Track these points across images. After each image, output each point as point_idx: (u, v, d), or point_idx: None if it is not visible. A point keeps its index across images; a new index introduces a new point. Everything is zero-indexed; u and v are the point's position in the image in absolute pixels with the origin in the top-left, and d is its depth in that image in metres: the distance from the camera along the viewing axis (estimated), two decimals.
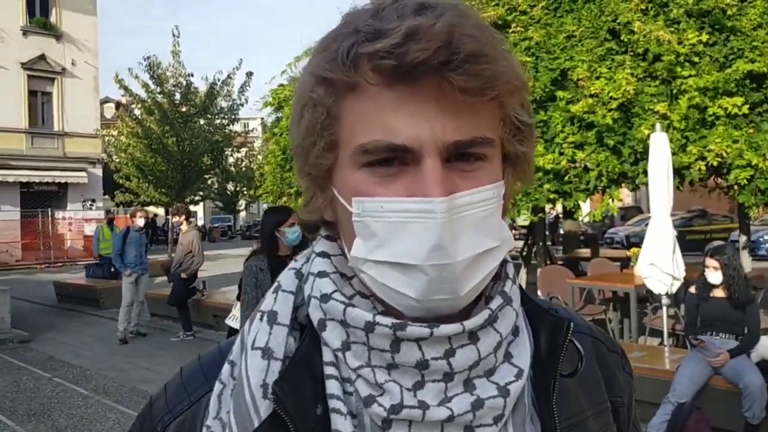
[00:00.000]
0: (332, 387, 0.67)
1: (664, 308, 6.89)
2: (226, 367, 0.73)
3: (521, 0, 8.94)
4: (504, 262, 0.73)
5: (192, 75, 24.71)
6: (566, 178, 8.22)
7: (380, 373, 0.67)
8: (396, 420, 0.65)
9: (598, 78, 8.00)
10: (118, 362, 8.89)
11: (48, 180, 27.71)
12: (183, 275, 10.13)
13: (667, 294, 6.82)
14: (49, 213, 27.25)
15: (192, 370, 0.80)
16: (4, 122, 26.69)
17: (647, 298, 8.18)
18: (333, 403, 0.66)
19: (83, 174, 28.83)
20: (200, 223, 39.83)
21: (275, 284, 0.77)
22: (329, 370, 0.68)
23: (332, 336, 0.69)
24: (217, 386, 0.72)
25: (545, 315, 0.76)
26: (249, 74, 24.67)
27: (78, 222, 28.33)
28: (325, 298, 0.70)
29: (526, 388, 0.71)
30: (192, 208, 26.65)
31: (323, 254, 0.75)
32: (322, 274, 0.72)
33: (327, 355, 0.69)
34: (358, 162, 0.65)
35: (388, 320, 0.66)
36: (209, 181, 31.41)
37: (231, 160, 29.95)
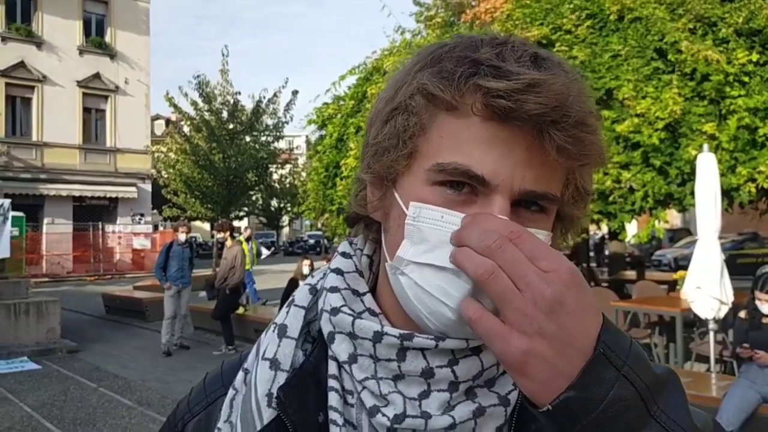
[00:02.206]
0: (332, 399, 0.72)
1: (712, 333, 6.71)
2: (240, 374, 0.79)
3: (566, 19, 8.90)
4: None
5: (239, 93, 25.20)
6: (611, 198, 8.10)
7: (385, 384, 0.70)
8: (400, 429, 0.68)
9: (644, 97, 7.88)
10: (161, 374, 9.05)
11: (99, 194, 28.55)
12: (227, 290, 10.29)
13: (714, 319, 6.64)
14: (100, 226, 28.02)
15: (214, 374, 0.87)
16: (60, 138, 27.68)
17: (694, 322, 7.98)
18: (331, 414, 0.71)
19: (133, 189, 29.63)
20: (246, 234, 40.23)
21: (290, 299, 0.81)
22: (331, 382, 0.73)
23: (340, 348, 0.73)
24: (231, 392, 0.78)
25: None
26: (294, 92, 25.03)
27: (127, 236, 29.06)
28: (334, 311, 0.74)
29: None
30: (236, 223, 27.01)
31: (337, 271, 0.78)
32: (333, 290, 0.76)
33: (331, 368, 0.73)
34: (432, 179, 0.67)
35: (396, 330, 0.70)
36: (254, 197, 31.82)
37: (275, 176, 30.38)
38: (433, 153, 0.67)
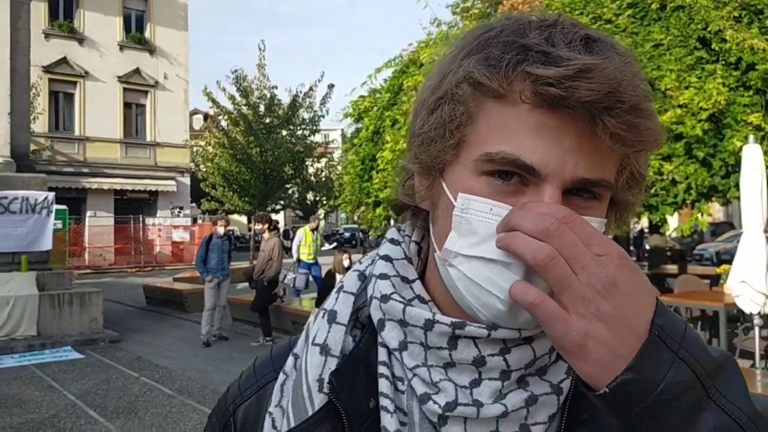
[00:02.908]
0: (383, 385, 0.71)
1: (757, 329, 6.54)
2: (290, 360, 0.79)
3: (607, 8, 8.75)
4: None
5: (276, 87, 25.42)
6: (652, 190, 7.95)
7: (436, 372, 0.69)
8: (452, 417, 0.68)
9: (687, 88, 7.72)
10: (201, 364, 9.19)
11: (140, 188, 29.09)
12: (265, 282, 10.40)
13: (759, 314, 6.48)
14: (141, 219, 28.55)
15: (264, 359, 0.87)
16: (102, 133, 28.29)
17: (738, 317, 7.79)
18: (381, 401, 0.70)
19: (172, 182, 30.11)
20: (282, 228, 40.50)
21: (339, 284, 0.80)
22: (381, 369, 0.72)
23: (390, 336, 0.72)
24: (281, 376, 0.79)
25: None
26: (330, 86, 25.16)
27: (167, 228, 29.57)
28: (384, 298, 0.73)
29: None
30: (273, 216, 27.30)
31: (386, 258, 0.78)
32: (383, 276, 0.75)
33: (381, 355, 0.73)
34: (480, 168, 0.65)
35: (447, 319, 0.69)
36: (290, 191, 32.09)
37: (311, 170, 30.57)
38: (481, 142, 0.65)
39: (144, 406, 7.10)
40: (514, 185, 0.64)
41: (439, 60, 0.73)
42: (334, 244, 32.70)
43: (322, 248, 15.67)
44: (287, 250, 32.63)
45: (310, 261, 13.72)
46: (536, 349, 0.68)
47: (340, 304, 0.77)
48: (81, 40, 28.17)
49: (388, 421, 0.69)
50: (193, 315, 12.88)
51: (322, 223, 53.73)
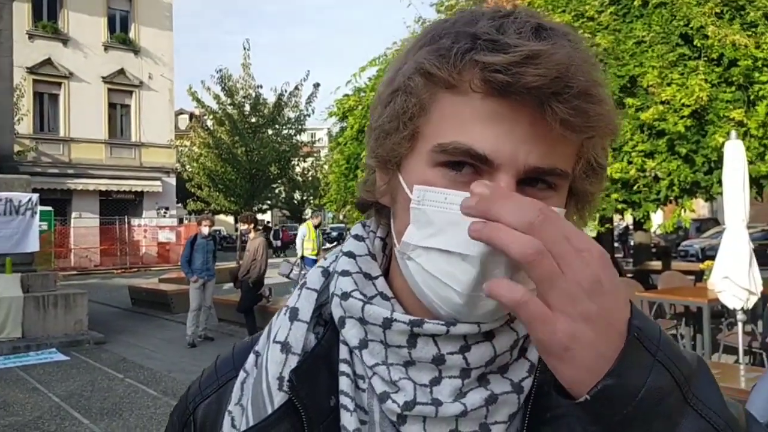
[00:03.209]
0: (343, 383, 0.70)
1: (740, 324, 6.59)
2: (251, 357, 0.77)
3: (589, 6, 8.78)
4: None
5: (261, 86, 25.31)
6: (635, 187, 7.99)
7: (395, 370, 0.68)
8: (411, 416, 0.67)
9: (669, 84, 7.76)
10: (186, 365, 9.14)
11: (125, 189, 28.92)
12: (250, 283, 10.36)
13: (742, 309, 6.53)
14: (126, 220, 28.37)
15: (225, 357, 0.86)
16: (86, 133, 28.10)
17: (722, 313, 7.85)
18: (342, 399, 0.69)
19: (158, 183, 29.95)
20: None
21: (302, 281, 0.79)
22: (342, 366, 0.71)
23: (351, 334, 0.71)
24: (242, 374, 0.77)
25: None
26: (316, 85, 25.09)
27: (152, 229, 29.42)
28: (345, 296, 0.72)
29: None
30: (260, 216, 27.19)
31: (349, 254, 0.77)
32: (344, 273, 0.74)
33: (343, 352, 0.72)
34: (434, 160, 0.65)
35: (405, 317, 0.68)
36: (276, 190, 32.00)
37: (298, 169, 30.51)
38: (435, 134, 0.65)
39: (129, 408, 7.06)
40: (467, 175, 0.64)
41: (398, 55, 0.73)
42: (335, 243, 32.70)
43: (323, 247, 15.58)
44: (274, 250, 32.42)
45: (315, 257, 13.65)
46: (496, 345, 0.67)
47: (303, 300, 0.76)
48: (65, 40, 27.97)
49: (347, 419, 0.68)
50: (179, 316, 12.81)
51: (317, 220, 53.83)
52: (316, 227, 14.10)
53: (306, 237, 14.03)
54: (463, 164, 0.64)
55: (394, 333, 0.68)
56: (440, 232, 0.63)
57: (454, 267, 0.62)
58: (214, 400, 0.80)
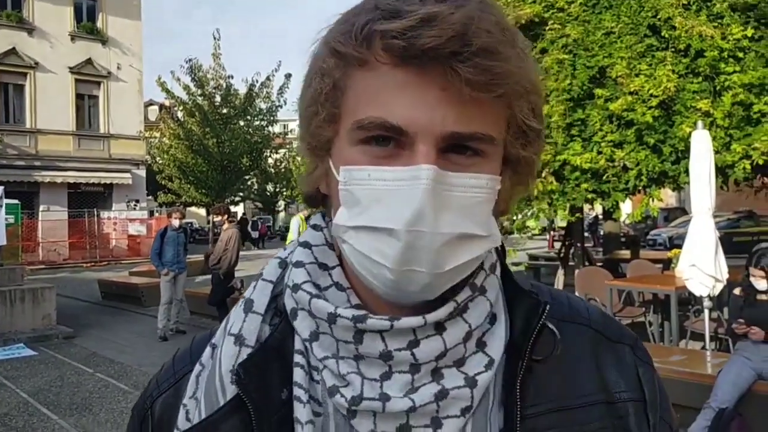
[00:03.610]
0: (297, 375, 0.69)
1: (706, 311, 6.71)
2: (207, 350, 0.76)
3: None
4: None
5: (232, 77, 25.13)
6: (604, 177, 8.08)
7: (345, 364, 0.67)
8: (359, 411, 0.66)
9: (637, 75, 7.84)
10: (157, 359, 9.03)
11: (94, 181, 28.44)
12: (221, 275, 10.27)
13: (709, 296, 6.64)
14: (95, 213, 27.93)
15: (183, 350, 0.83)
16: (53, 125, 27.54)
17: (689, 300, 7.98)
18: (295, 391, 0.68)
19: (128, 175, 29.51)
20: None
21: (259, 273, 0.78)
22: (297, 358, 0.70)
23: (302, 326, 0.70)
24: (197, 367, 0.75)
25: (525, 298, 0.74)
26: (288, 76, 24.92)
27: (122, 222, 29.00)
28: (295, 287, 0.71)
29: (498, 376, 0.70)
30: (232, 208, 26.99)
31: (305, 244, 0.76)
32: (298, 264, 0.73)
33: (298, 344, 0.71)
34: (354, 138, 0.65)
35: (349, 312, 0.66)
36: (249, 182, 31.79)
37: (270, 161, 30.33)
38: (352, 112, 0.65)
39: (99, 403, 6.97)
40: (390, 149, 0.63)
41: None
42: None
43: None
44: (253, 242, 32.15)
45: None
46: (447, 339, 0.67)
47: (258, 292, 0.75)
48: (30, 30, 27.34)
49: (300, 411, 0.67)
50: (150, 309, 12.66)
51: (282, 214, 53.58)
52: (306, 219, 14.11)
53: (300, 228, 14.01)
54: (385, 139, 0.63)
55: (339, 328, 0.67)
56: (366, 210, 0.63)
57: (381, 243, 0.62)
58: (171, 395, 0.78)
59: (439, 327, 0.67)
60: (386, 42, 0.60)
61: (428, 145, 0.62)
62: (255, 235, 36.75)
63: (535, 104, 0.68)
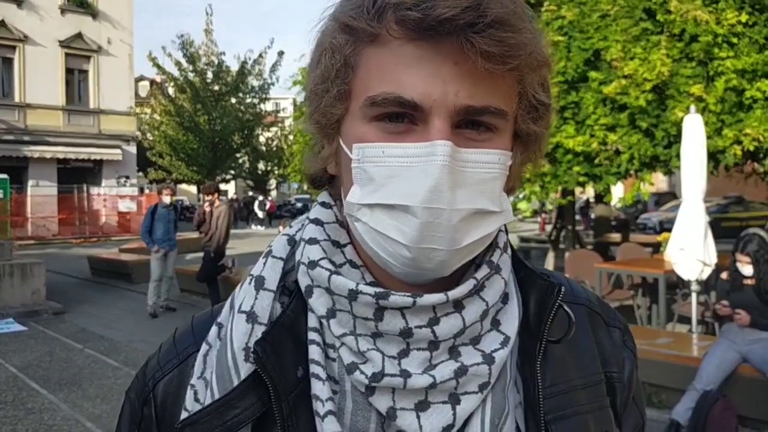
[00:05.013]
0: (314, 352, 0.69)
1: (694, 295, 6.77)
2: (213, 329, 0.75)
3: None
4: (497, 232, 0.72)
5: (224, 53, 24.96)
6: (597, 160, 8.10)
7: (363, 341, 0.67)
8: (379, 387, 0.66)
9: (632, 59, 7.83)
10: (147, 336, 9.05)
11: (84, 156, 28.18)
12: (211, 253, 10.25)
13: (697, 280, 6.70)
14: (85, 189, 27.72)
15: (184, 330, 0.82)
16: (43, 99, 27.20)
17: (677, 284, 8.05)
18: (313, 368, 0.68)
19: (118, 151, 29.26)
20: (233, 196, 39.44)
21: (267, 249, 0.77)
22: (312, 335, 0.69)
23: (318, 303, 0.70)
24: (204, 347, 0.74)
25: (537, 280, 0.75)
26: (280, 53, 24.76)
27: (113, 198, 28.81)
28: (312, 264, 0.70)
29: (513, 354, 0.71)
30: (223, 186, 26.91)
31: (316, 221, 0.75)
32: (312, 241, 0.73)
33: (312, 321, 0.70)
34: (368, 115, 0.64)
35: (371, 289, 0.66)
36: (240, 160, 31.63)
37: (261, 139, 30.18)
38: (364, 89, 0.64)
39: (89, 378, 6.98)
40: (404, 125, 0.63)
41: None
42: None
43: None
44: (259, 221, 31.92)
45: None
46: (466, 317, 0.67)
47: (268, 269, 0.74)
48: (20, 2, 26.86)
49: (319, 388, 0.67)
50: (140, 286, 12.64)
51: (274, 192, 53.42)
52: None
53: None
54: (399, 115, 0.63)
55: (360, 305, 0.66)
56: (381, 187, 0.63)
57: (397, 220, 0.62)
58: (175, 376, 0.77)
59: (458, 305, 0.67)
60: (400, 14, 0.60)
61: (443, 120, 0.62)
62: (261, 215, 35.86)
63: (545, 78, 0.68)
